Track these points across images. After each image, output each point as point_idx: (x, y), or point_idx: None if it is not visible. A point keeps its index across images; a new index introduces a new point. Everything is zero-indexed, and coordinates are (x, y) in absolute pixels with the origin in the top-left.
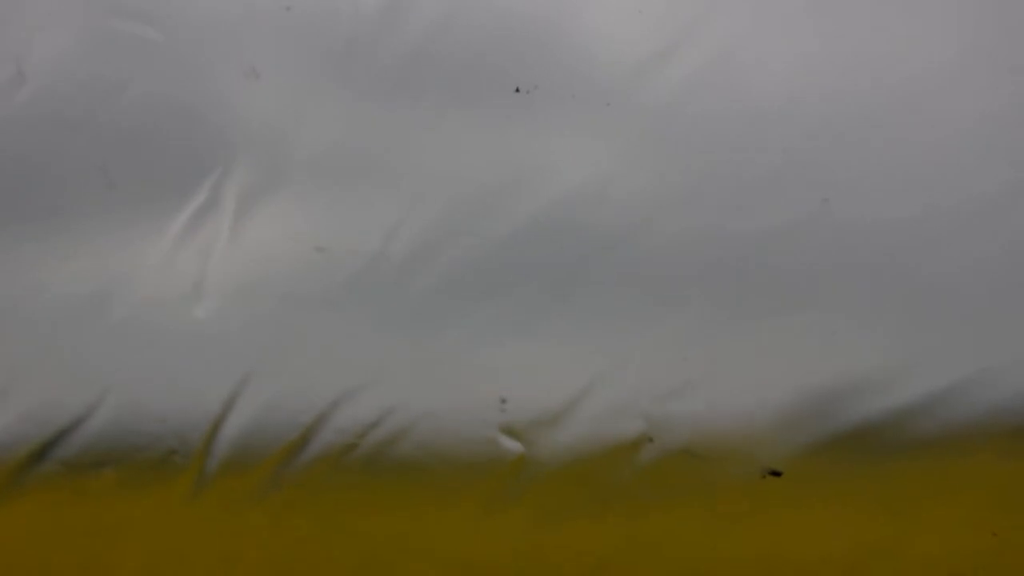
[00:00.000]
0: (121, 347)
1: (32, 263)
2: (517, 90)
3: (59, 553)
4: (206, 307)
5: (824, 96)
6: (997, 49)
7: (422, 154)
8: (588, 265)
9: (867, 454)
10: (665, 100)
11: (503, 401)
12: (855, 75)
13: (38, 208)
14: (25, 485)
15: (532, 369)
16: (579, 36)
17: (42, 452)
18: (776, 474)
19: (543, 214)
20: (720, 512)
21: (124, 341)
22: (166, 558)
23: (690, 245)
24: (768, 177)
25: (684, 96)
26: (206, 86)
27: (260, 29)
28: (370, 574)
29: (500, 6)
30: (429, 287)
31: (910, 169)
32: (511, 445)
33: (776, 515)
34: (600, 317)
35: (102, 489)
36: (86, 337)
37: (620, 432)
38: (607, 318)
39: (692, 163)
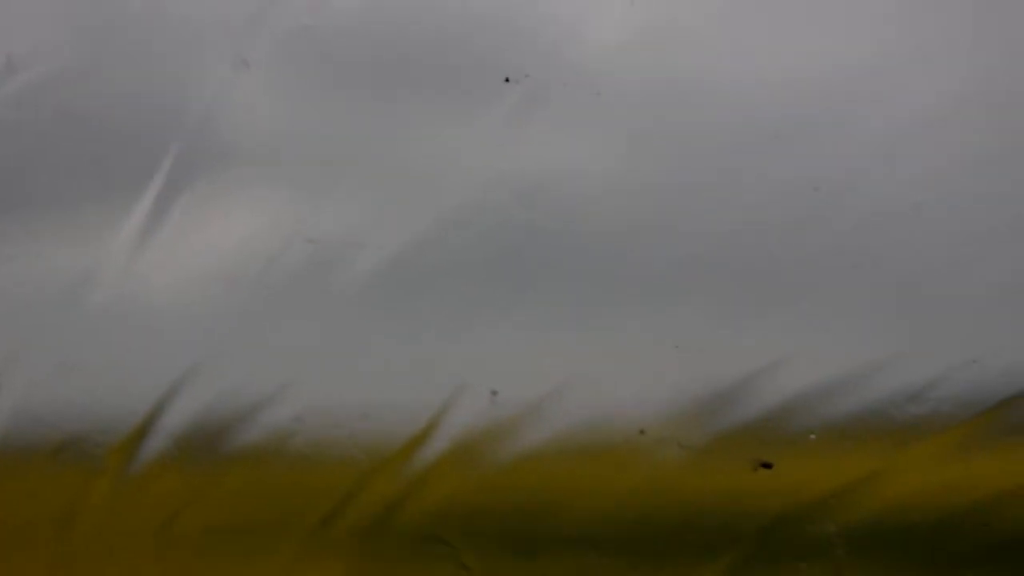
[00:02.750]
0: (104, 334)
1: (25, 251)
2: (507, 79)
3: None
4: (192, 296)
5: (816, 84)
6: (990, 36)
7: (412, 144)
8: (581, 256)
9: (857, 446)
10: (655, 89)
11: (494, 393)
12: (848, 62)
13: (28, 198)
14: None
15: (523, 361)
16: (569, 25)
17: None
18: (767, 466)
19: (534, 205)
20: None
21: (106, 328)
22: (101, 541)
23: (683, 234)
24: (759, 166)
25: (675, 85)
26: (196, 76)
27: (250, 19)
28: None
29: None
30: (418, 278)
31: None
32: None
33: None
34: (593, 307)
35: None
36: (70, 325)
37: (611, 423)
38: (600, 308)
39: (684, 152)
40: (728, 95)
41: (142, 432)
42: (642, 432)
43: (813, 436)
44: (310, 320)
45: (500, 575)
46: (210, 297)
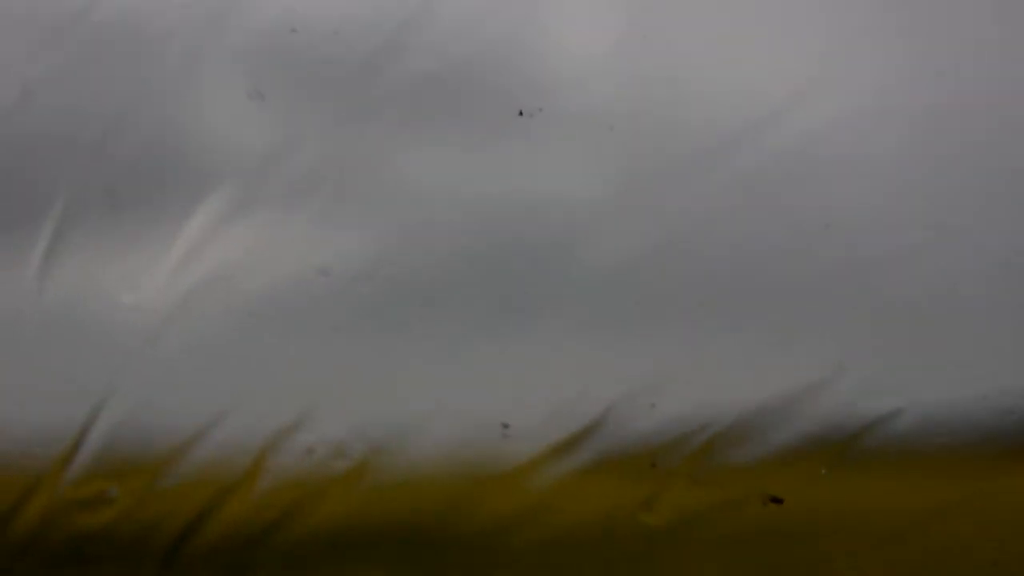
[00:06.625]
0: (114, 365)
1: (33, 280)
2: (521, 113)
3: None
4: (203, 325)
5: (829, 117)
6: (1002, 71)
7: (427, 177)
8: (596, 288)
9: (868, 480)
10: (668, 124)
11: (505, 426)
12: (863, 95)
13: (41, 226)
14: None
15: (537, 394)
16: (583, 60)
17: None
18: (777, 501)
19: (548, 239)
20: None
21: (116, 359)
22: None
23: (695, 264)
24: (772, 200)
25: (687, 120)
26: (211, 107)
27: (265, 51)
28: None
29: (504, 29)
30: (432, 309)
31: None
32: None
33: (778, 541)
34: (605, 343)
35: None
36: (74, 352)
37: (625, 457)
38: (612, 344)
39: (696, 185)
40: (741, 130)
41: (73, 451)
42: (653, 466)
43: (824, 471)
44: (342, 351)
45: None
46: (238, 327)
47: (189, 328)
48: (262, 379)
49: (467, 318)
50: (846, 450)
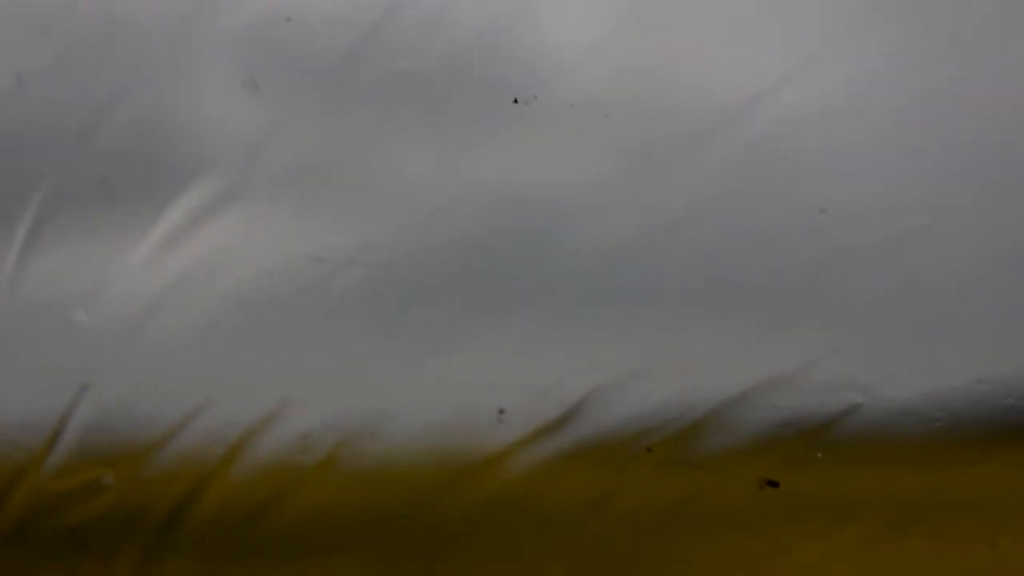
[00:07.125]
0: (99, 351)
1: (17, 266)
2: (516, 100)
3: None
4: (191, 312)
5: (824, 102)
6: (997, 58)
7: (421, 164)
8: (589, 276)
9: (863, 464)
10: (663, 111)
11: (501, 412)
12: (858, 79)
13: (27, 213)
14: None
15: (531, 380)
16: (579, 48)
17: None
18: (774, 484)
19: (543, 225)
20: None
21: (101, 346)
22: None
23: (691, 252)
24: (768, 188)
25: (683, 107)
26: (204, 95)
27: (259, 40)
28: None
29: (500, 17)
30: (426, 297)
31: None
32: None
33: (774, 525)
34: (600, 328)
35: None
36: (59, 339)
37: (619, 443)
38: (608, 329)
39: (691, 173)
40: (736, 118)
41: (55, 438)
42: (649, 451)
43: (820, 454)
44: (337, 340)
45: None
46: (234, 317)
47: (177, 315)
48: (253, 364)
49: (459, 304)
50: (834, 433)
